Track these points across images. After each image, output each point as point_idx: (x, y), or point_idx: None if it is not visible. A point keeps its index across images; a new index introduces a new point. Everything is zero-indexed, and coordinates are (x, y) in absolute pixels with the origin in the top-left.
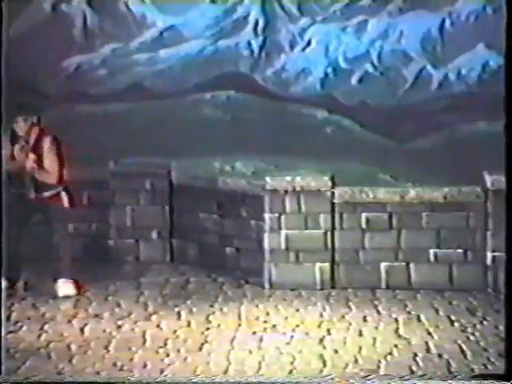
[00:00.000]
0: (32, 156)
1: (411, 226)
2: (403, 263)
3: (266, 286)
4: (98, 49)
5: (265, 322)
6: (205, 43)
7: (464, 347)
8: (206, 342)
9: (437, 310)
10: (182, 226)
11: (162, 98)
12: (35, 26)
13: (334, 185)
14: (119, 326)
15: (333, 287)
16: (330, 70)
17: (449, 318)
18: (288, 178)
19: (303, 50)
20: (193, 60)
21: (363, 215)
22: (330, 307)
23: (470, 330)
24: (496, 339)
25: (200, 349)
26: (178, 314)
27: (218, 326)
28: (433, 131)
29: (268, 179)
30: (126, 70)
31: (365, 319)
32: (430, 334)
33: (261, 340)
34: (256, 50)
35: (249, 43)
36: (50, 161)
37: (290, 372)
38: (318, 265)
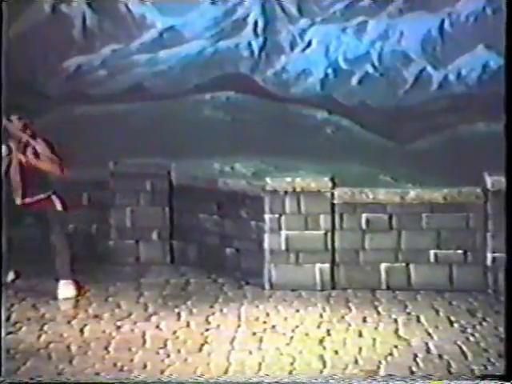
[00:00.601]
0: (22, 157)
1: (411, 227)
2: (403, 264)
3: (266, 286)
4: (98, 50)
5: (265, 322)
6: (205, 44)
7: (464, 348)
8: (206, 342)
9: (437, 311)
10: (182, 227)
11: (162, 98)
12: (35, 27)
13: (334, 186)
14: (119, 327)
15: (333, 288)
16: (330, 70)
17: (449, 318)
18: (288, 179)
19: (303, 50)
20: (193, 61)
21: (363, 216)
22: (329, 308)
23: (469, 330)
24: (496, 340)
25: (200, 349)
26: (178, 314)
27: (218, 326)
28: (433, 132)
29: (268, 180)
30: (126, 70)
31: (365, 320)
32: (429, 334)
33: (261, 341)
34: (256, 51)
35: (249, 44)
36: (46, 157)
37: (290, 372)
38: (318, 265)
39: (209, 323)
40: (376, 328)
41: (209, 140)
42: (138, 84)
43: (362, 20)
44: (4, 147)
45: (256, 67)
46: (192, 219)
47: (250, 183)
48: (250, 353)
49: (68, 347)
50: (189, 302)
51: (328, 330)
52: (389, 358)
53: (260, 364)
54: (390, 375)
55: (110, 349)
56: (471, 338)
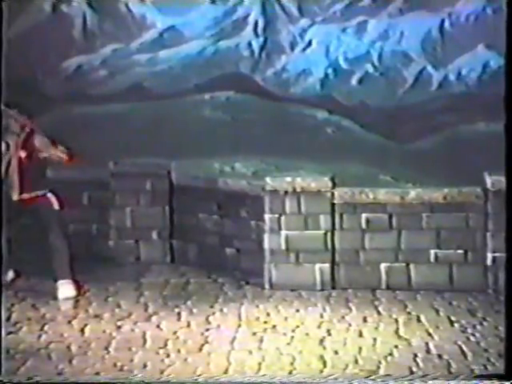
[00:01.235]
0: (23, 153)
1: (411, 227)
2: (403, 264)
3: (266, 286)
4: (98, 49)
5: (265, 322)
6: (205, 44)
7: (464, 348)
8: (207, 342)
9: (437, 311)
10: (182, 227)
11: (162, 98)
12: (35, 27)
13: (334, 185)
14: (119, 327)
15: (333, 288)
16: (330, 70)
17: (449, 318)
18: (288, 179)
19: (303, 50)
20: (193, 61)
21: (363, 216)
22: (330, 308)
23: (470, 330)
24: (496, 340)
25: (200, 349)
26: (179, 314)
27: (218, 326)
28: (433, 132)
29: (268, 180)
30: (126, 70)
31: (365, 320)
32: (430, 334)
33: (261, 341)
34: (256, 51)
35: (249, 44)
36: (50, 148)
37: (290, 372)
38: (318, 265)
39: (209, 323)
40: (376, 328)
41: (209, 140)
42: (137, 84)
43: (362, 20)
44: (3, 144)
45: (256, 67)
46: (192, 219)
47: (249, 183)
48: (250, 353)
49: (68, 347)
50: (189, 302)
51: (328, 330)
52: (389, 358)
53: (260, 364)
54: (388, 375)
55: (111, 349)
56: (471, 338)
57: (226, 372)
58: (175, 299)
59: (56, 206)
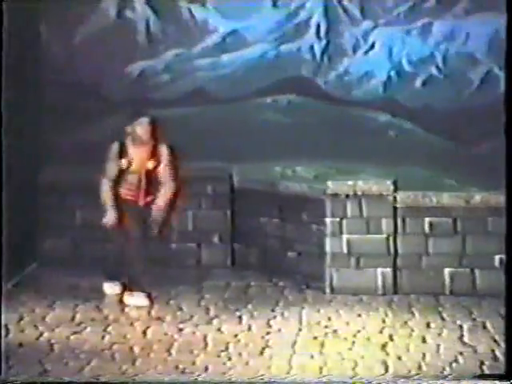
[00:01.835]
0: (151, 162)
1: (476, 231)
2: (468, 269)
3: (327, 290)
4: (161, 54)
5: (326, 326)
6: (267, 47)
7: None
8: (268, 346)
9: (503, 318)
10: (243, 231)
11: (224, 102)
12: (100, 32)
13: (396, 189)
14: (181, 330)
15: (395, 293)
16: (393, 73)
17: None
18: (349, 182)
19: (366, 53)
20: (255, 64)
21: (426, 220)
22: (392, 313)
23: None
24: None
25: (261, 353)
26: (239, 317)
27: (279, 330)
28: (499, 135)
29: (329, 183)
30: (189, 74)
31: (428, 325)
32: (496, 341)
33: (322, 345)
34: (318, 54)
35: (311, 47)
36: (165, 173)
37: (351, 377)
38: (379, 270)
39: (270, 327)
40: (440, 334)
41: (270, 143)
42: (200, 88)
43: (427, 21)
44: (124, 160)
45: (318, 70)
46: (253, 223)
47: (311, 186)
48: (312, 357)
49: (131, 348)
50: (250, 306)
51: (390, 335)
52: (454, 365)
53: (321, 368)
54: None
55: (173, 351)
56: None
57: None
58: (236, 302)
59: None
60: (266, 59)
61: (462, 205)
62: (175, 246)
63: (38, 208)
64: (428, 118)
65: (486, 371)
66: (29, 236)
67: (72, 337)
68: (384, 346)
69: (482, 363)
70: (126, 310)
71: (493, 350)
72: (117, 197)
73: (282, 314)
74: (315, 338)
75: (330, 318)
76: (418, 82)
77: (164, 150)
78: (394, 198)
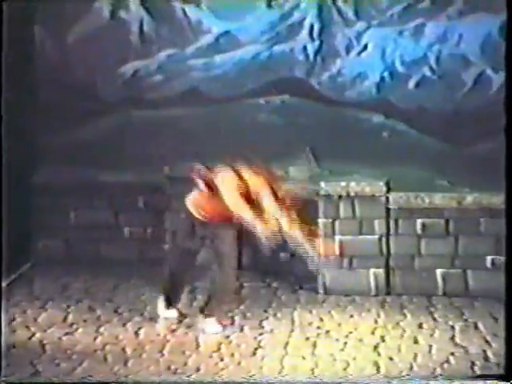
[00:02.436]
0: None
1: (469, 232)
2: (460, 270)
3: (320, 291)
4: (154, 55)
5: (318, 327)
6: (260, 48)
7: None
8: (260, 346)
9: (495, 319)
10: None
11: (218, 102)
12: (94, 32)
13: (389, 190)
14: (173, 330)
15: (388, 294)
16: (386, 74)
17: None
18: (342, 183)
19: (359, 54)
20: (248, 65)
21: (419, 221)
22: (384, 314)
23: None
24: None
25: (253, 353)
26: (232, 318)
27: (272, 331)
28: (492, 136)
29: (322, 184)
30: (182, 75)
31: (420, 326)
32: (487, 342)
33: (314, 346)
34: (311, 55)
35: (304, 48)
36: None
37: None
38: (372, 271)
39: (262, 327)
40: (432, 335)
41: (263, 144)
42: (193, 88)
43: (420, 23)
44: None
45: (311, 71)
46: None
47: (304, 187)
48: (303, 358)
49: (123, 349)
50: (242, 306)
51: (382, 336)
52: (445, 365)
53: (313, 369)
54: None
55: (165, 352)
56: None
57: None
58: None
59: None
60: (259, 60)
61: (454, 206)
62: (168, 247)
63: (32, 208)
64: (421, 119)
65: (478, 372)
66: (23, 236)
67: (64, 338)
68: (376, 347)
69: (473, 364)
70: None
71: (484, 351)
72: None
73: (275, 315)
74: (307, 338)
75: (322, 319)
76: (412, 83)
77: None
78: (387, 198)
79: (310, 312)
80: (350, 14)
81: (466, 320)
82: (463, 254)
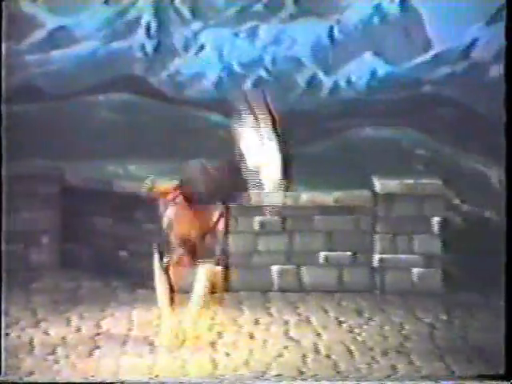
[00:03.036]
0: None
1: (303, 229)
2: (295, 266)
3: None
4: None
5: (157, 325)
6: (97, 45)
7: (352, 347)
8: (97, 347)
9: (326, 312)
10: (74, 230)
11: (55, 99)
12: None
13: None
14: (7, 334)
15: (226, 291)
16: (224, 74)
17: (337, 319)
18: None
19: (197, 53)
20: (85, 61)
21: (256, 219)
22: (222, 311)
23: (357, 330)
24: (381, 338)
25: (90, 354)
26: (68, 319)
27: (109, 330)
28: (324, 136)
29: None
30: (18, 70)
31: (257, 322)
32: (319, 335)
33: (152, 344)
34: (150, 53)
35: (142, 46)
36: None
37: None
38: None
39: (100, 327)
40: (267, 330)
41: (103, 142)
42: (30, 84)
43: (255, 24)
44: None
45: (150, 69)
46: (85, 222)
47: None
48: (142, 356)
49: None
50: (80, 307)
51: (220, 333)
52: (279, 359)
53: (151, 367)
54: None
55: None
56: (358, 338)
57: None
58: (65, 304)
59: None
60: (97, 56)
61: (289, 204)
62: (4, 247)
63: None
64: None
65: (310, 364)
66: None
67: None
68: (213, 344)
69: (304, 356)
70: None
71: (315, 343)
72: None
73: (113, 315)
74: (146, 337)
75: (160, 317)
76: (248, 84)
77: None
78: None
79: (149, 310)
80: (187, 14)
81: (299, 314)
82: (297, 251)
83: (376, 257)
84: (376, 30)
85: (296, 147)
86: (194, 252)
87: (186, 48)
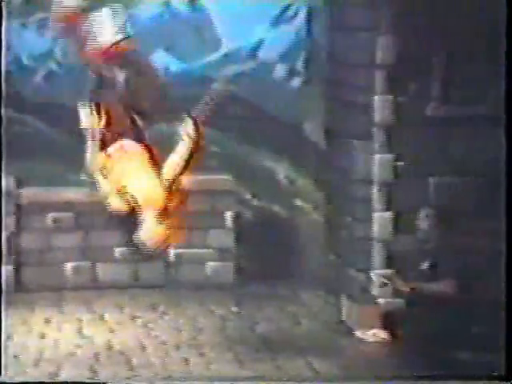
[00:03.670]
0: None
1: (98, 226)
2: (90, 262)
3: None
4: None
5: None
6: None
7: (145, 342)
8: None
9: (122, 308)
10: None
11: None
12: None
13: (20, 185)
14: None
15: (18, 291)
16: (14, 67)
17: (132, 315)
18: None
19: None
20: None
21: (50, 215)
22: (12, 311)
23: (151, 325)
24: (175, 332)
25: None
26: None
27: None
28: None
29: None
30: None
31: (49, 321)
32: (113, 331)
33: None
34: None
35: None
36: None
37: None
38: (2, 268)
39: None
40: (60, 329)
41: None
42: None
43: (44, 17)
44: None
45: None
46: None
47: None
48: None
49: None
50: None
51: (9, 335)
52: (71, 358)
53: None
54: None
55: None
56: (152, 333)
57: None
58: None
59: None
60: None
61: (85, 200)
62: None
63: None
64: (53, 113)
65: (102, 361)
66: None
67: None
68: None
69: (97, 354)
70: None
71: (109, 340)
72: None
73: None
74: None
75: None
76: (39, 77)
77: None
78: (18, 194)
79: None
80: None
81: (94, 312)
82: (92, 247)
83: (171, 252)
84: (167, 27)
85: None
86: None
87: None
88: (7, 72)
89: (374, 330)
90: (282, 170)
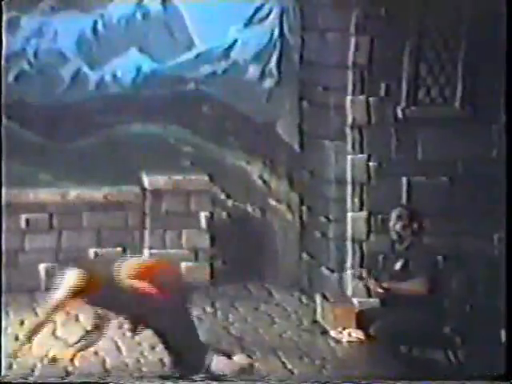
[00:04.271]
0: None
1: (72, 226)
2: (63, 264)
3: None
4: None
5: None
6: None
7: (120, 343)
8: None
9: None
10: None
11: None
12: None
13: None
14: None
15: None
16: None
17: (107, 316)
18: None
19: None
20: None
21: (23, 216)
22: None
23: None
24: (151, 333)
25: None
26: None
27: None
28: (92, 132)
29: None
30: None
31: (22, 323)
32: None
33: None
34: None
35: None
36: None
37: None
38: None
39: None
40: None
41: None
42: None
43: (15, 15)
44: None
45: None
46: None
47: None
48: None
49: None
50: None
51: None
52: (45, 360)
53: None
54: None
55: None
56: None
57: None
58: None
59: None
60: None
61: (58, 200)
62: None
63: None
64: (23, 113)
65: (76, 362)
66: None
67: None
68: None
69: (74, 355)
70: None
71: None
72: None
73: None
74: None
75: None
76: (11, 77)
77: None
78: None
79: None
80: None
81: (68, 313)
82: (66, 248)
83: (146, 252)
84: (140, 27)
85: (62, 143)
86: None
87: None
88: None
89: (349, 330)
90: (255, 171)
